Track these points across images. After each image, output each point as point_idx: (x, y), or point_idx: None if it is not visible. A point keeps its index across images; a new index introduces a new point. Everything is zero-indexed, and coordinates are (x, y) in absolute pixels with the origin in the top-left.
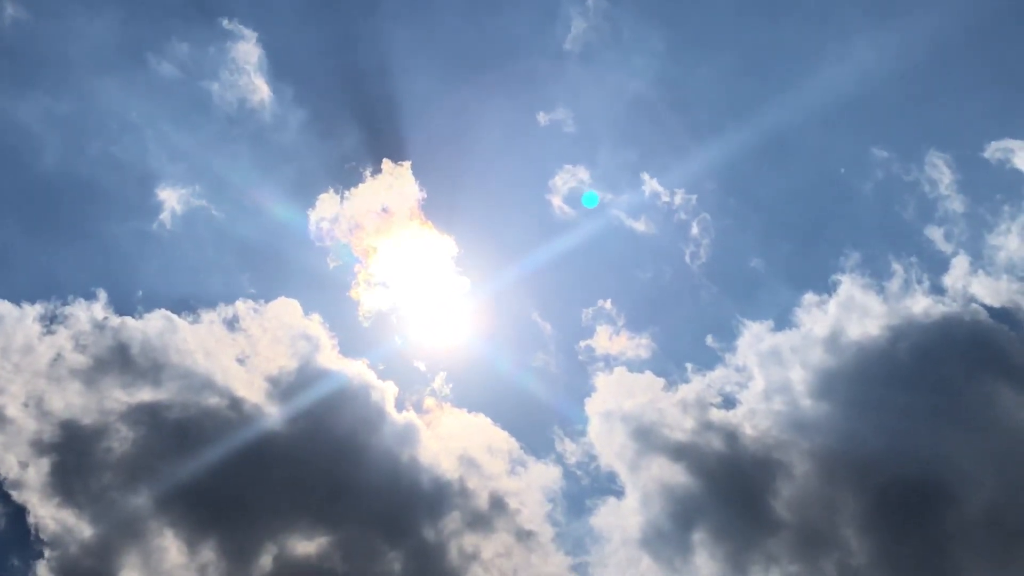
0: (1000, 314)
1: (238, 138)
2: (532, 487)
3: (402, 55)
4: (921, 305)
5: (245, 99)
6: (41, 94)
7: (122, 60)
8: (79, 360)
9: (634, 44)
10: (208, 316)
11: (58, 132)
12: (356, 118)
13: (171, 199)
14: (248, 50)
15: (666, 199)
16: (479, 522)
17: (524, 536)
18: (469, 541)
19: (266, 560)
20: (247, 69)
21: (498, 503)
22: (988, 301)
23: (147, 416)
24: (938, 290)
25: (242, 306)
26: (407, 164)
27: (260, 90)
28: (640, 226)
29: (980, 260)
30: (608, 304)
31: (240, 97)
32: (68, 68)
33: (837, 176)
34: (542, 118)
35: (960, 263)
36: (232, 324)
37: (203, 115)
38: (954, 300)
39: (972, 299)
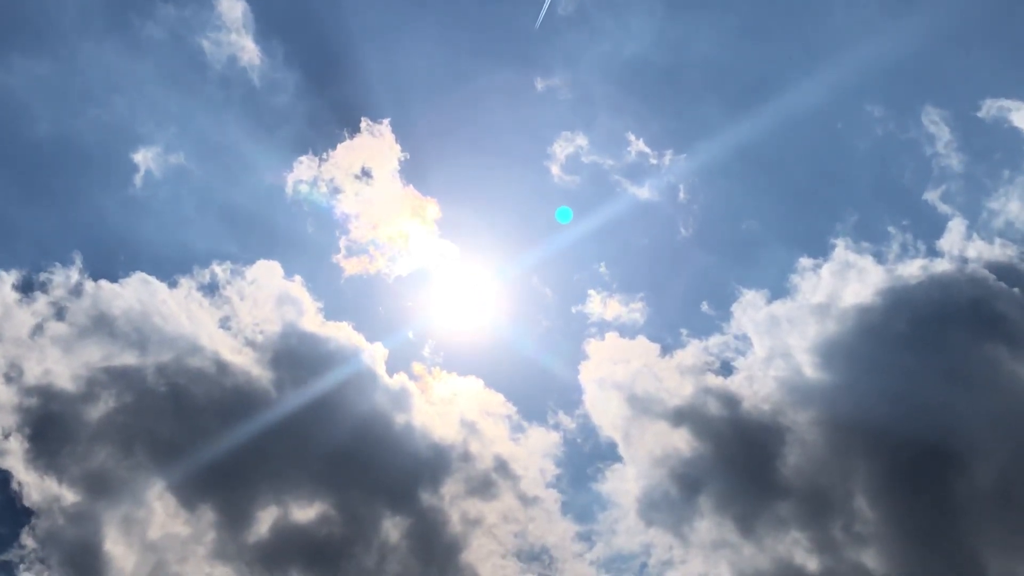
0: (1001, 271)
1: (218, 99)
2: (532, 453)
3: (390, 16)
4: (918, 266)
5: (228, 58)
6: (22, 57)
7: (105, 21)
8: (59, 326)
9: (631, 5)
10: (188, 278)
11: (38, 95)
12: (341, 78)
13: (149, 161)
14: (231, 6)
15: (662, 163)
16: (482, 487)
17: (528, 502)
18: (472, 506)
19: (262, 527)
20: (231, 27)
21: (501, 467)
22: (987, 261)
23: (131, 381)
24: (935, 252)
25: (224, 268)
26: (387, 124)
27: (244, 48)
28: (641, 192)
29: (976, 222)
30: (602, 268)
31: (223, 56)
32: (49, 31)
33: (833, 135)
34: (539, 84)
35: (957, 225)
36: (213, 287)
37: (184, 76)
38: (951, 262)
39: (969, 260)
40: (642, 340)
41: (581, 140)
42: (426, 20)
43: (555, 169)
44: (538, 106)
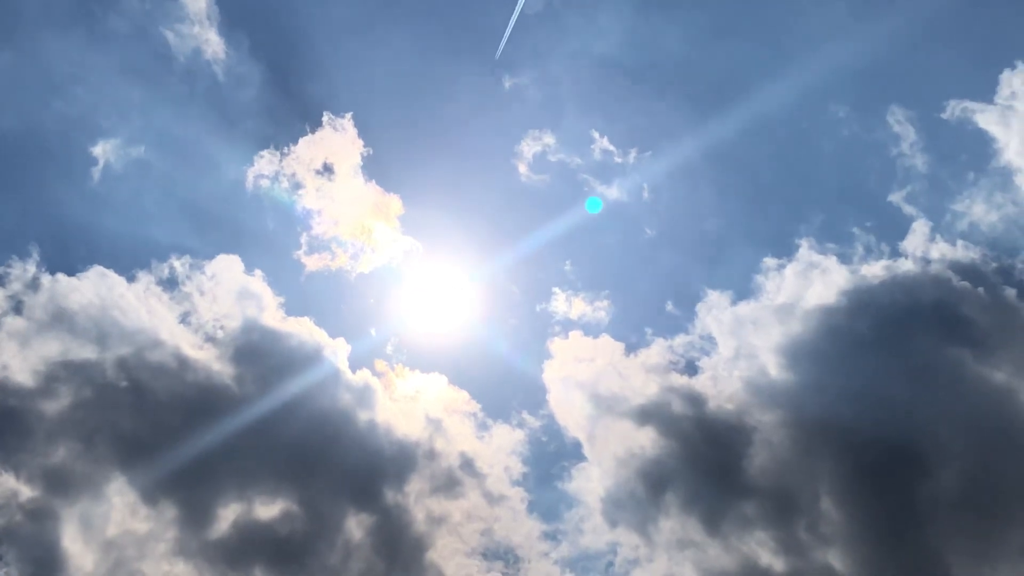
0: (964, 272)
1: (180, 91)
2: (498, 451)
3: (355, 9)
4: (882, 267)
5: (192, 51)
6: None
7: (67, 12)
8: (16, 320)
9: (599, 3)
10: (147, 273)
11: None
12: (304, 72)
13: (108, 154)
14: None
15: (627, 161)
16: (447, 485)
17: (494, 500)
18: (437, 504)
19: (224, 524)
20: (195, 18)
21: (467, 465)
22: (950, 262)
23: (90, 376)
24: (898, 253)
25: (183, 263)
26: (350, 119)
27: (208, 41)
28: (607, 191)
29: (940, 224)
30: (567, 266)
31: (187, 49)
32: (10, 21)
33: (798, 135)
34: (507, 81)
35: (920, 227)
36: (172, 281)
37: (146, 68)
38: (914, 263)
39: (932, 262)
40: (606, 339)
41: (548, 139)
42: (392, 14)
43: (522, 167)
44: (505, 103)
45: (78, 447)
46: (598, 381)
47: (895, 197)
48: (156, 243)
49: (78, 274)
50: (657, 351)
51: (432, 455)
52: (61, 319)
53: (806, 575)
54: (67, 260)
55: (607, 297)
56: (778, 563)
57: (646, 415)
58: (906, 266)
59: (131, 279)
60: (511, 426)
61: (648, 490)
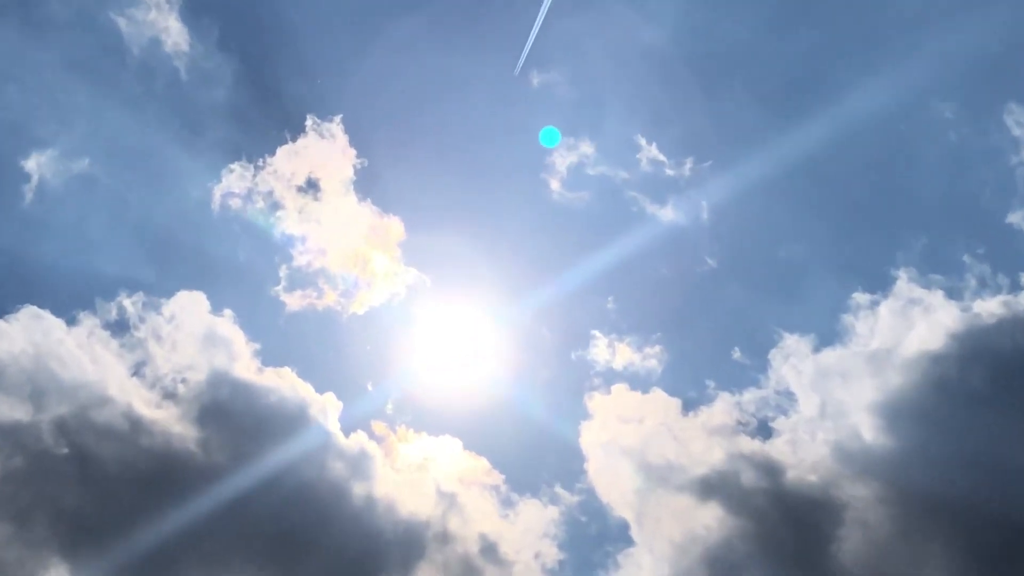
0: None
1: (134, 91)
2: (527, 533)
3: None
4: (1000, 303)
5: (148, 42)
6: None
7: None
8: None
9: None
10: (91, 314)
11: None
12: (283, 65)
13: (44, 168)
14: None
15: (680, 174)
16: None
17: None
18: None
19: None
20: (151, 2)
21: (489, 551)
22: None
23: (22, 441)
24: (1020, 286)
25: (135, 301)
26: (339, 123)
27: (168, 29)
28: (657, 211)
29: None
30: (610, 304)
31: (143, 40)
32: None
33: (895, 141)
34: (535, 78)
35: None
36: (122, 324)
37: (92, 63)
38: None
39: None
40: (659, 394)
41: (586, 147)
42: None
43: (555, 183)
44: (533, 105)
45: (8, 530)
46: (649, 446)
47: (1015, 217)
48: (102, 277)
49: (6, 316)
50: (721, 409)
51: (445, 538)
52: None
53: None
54: None
55: (659, 342)
56: None
57: (709, 488)
58: None
59: (72, 321)
60: (542, 502)
61: None
